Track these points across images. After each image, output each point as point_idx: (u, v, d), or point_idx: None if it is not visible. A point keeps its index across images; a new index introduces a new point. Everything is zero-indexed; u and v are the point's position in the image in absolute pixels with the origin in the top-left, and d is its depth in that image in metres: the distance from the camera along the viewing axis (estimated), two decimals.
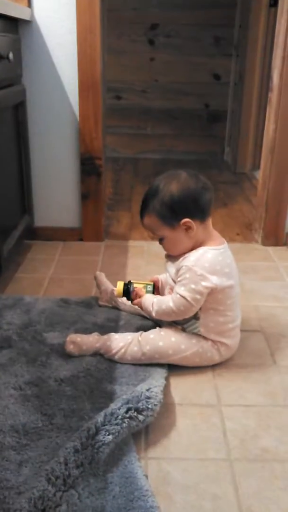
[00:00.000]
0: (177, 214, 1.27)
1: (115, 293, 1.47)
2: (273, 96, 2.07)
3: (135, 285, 1.43)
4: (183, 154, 4.05)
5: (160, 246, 1.38)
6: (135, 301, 1.41)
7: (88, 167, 2.11)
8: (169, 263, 1.37)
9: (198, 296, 1.26)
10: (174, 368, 1.32)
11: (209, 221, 1.33)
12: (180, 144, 4.07)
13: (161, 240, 1.34)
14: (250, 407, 1.22)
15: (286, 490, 0.99)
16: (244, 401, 1.23)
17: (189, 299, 1.26)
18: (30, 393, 1.20)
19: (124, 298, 1.47)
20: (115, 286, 1.62)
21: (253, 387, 1.29)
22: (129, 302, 1.50)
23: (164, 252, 1.40)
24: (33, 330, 1.47)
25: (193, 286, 1.25)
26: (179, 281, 1.28)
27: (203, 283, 1.25)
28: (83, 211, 2.18)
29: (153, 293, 1.42)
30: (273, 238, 2.22)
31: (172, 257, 1.36)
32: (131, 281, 1.45)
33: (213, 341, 1.33)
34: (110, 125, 3.73)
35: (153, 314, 1.34)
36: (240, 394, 1.26)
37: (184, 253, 1.31)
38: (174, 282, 1.33)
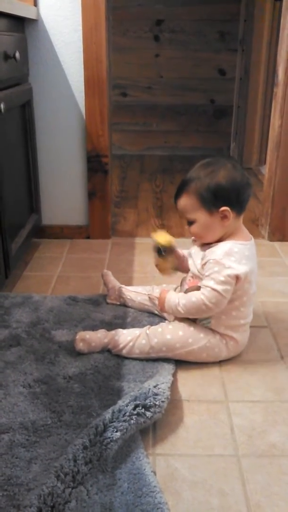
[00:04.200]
0: (219, 201, 1.27)
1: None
2: (279, 91, 2.06)
3: (159, 239, 1.43)
4: (189, 150, 4.05)
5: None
6: (158, 300, 1.39)
7: (95, 164, 2.12)
8: (194, 251, 1.38)
9: (228, 287, 1.26)
10: (181, 365, 1.33)
11: (241, 217, 1.34)
12: (186, 140, 4.07)
13: (190, 224, 1.32)
14: (258, 403, 1.22)
15: None
16: (252, 397, 1.24)
17: (220, 291, 1.26)
18: (39, 391, 1.22)
19: (135, 291, 1.54)
20: (123, 283, 1.64)
21: (260, 382, 1.29)
22: (139, 297, 1.58)
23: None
24: (41, 328, 1.48)
25: (222, 278, 1.26)
26: (208, 275, 1.28)
27: (232, 273, 1.26)
28: (90, 209, 2.18)
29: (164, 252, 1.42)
30: (280, 233, 2.22)
31: (200, 245, 1.37)
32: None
33: (222, 335, 1.34)
34: (116, 122, 3.74)
35: (180, 308, 1.31)
36: (247, 390, 1.26)
37: (210, 242, 1.31)
38: (198, 271, 1.34)
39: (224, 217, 1.28)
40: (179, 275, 1.49)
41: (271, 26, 3.22)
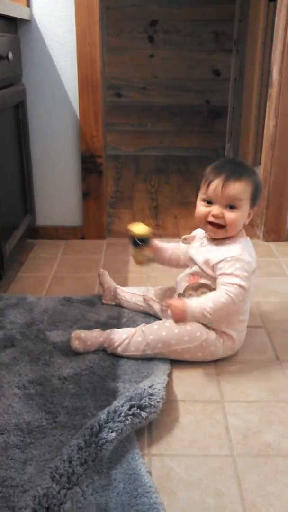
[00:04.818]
0: (256, 200, 1.34)
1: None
2: (273, 91, 2.07)
3: (135, 231, 1.40)
4: (184, 151, 4.05)
5: None
6: (174, 311, 1.27)
7: (89, 165, 2.11)
8: (194, 251, 1.38)
9: (249, 282, 1.29)
10: (177, 365, 1.33)
11: None
12: (181, 140, 4.07)
13: (232, 207, 1.30)
14: (253, 403, 1.22)
15: None
16: (247, 397, 1.24)
17: (246, 287, 1.27)
18: (33, 392, 1.21)
19: (131, 292, 1.56)
20: (118, 284, 1.64)
21: (256, 383, 1.29)
22: (134, 298, 1.58)
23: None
24: (36, 329, 1.48)
25: (246, 274, 1.28)
26: (229, 273, 1.28)
27: (252, 267, 1.30)
28: (85, 210, 2.18)
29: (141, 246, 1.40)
30: (275, 233, 2.22)
31: (195, 244, 1.40)
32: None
33: (219, 334, 1.34)
34: (110, 123, 3.74)
35: (207, 313, 1.25)
36: (242, 390, 1.26)
37: (227, 237, 1.33)
38: (200, 268, 1.35)
39: (249, 215, 1.34)
40: (173, 274, 1.49)
41: (265, 26, 3.22)
